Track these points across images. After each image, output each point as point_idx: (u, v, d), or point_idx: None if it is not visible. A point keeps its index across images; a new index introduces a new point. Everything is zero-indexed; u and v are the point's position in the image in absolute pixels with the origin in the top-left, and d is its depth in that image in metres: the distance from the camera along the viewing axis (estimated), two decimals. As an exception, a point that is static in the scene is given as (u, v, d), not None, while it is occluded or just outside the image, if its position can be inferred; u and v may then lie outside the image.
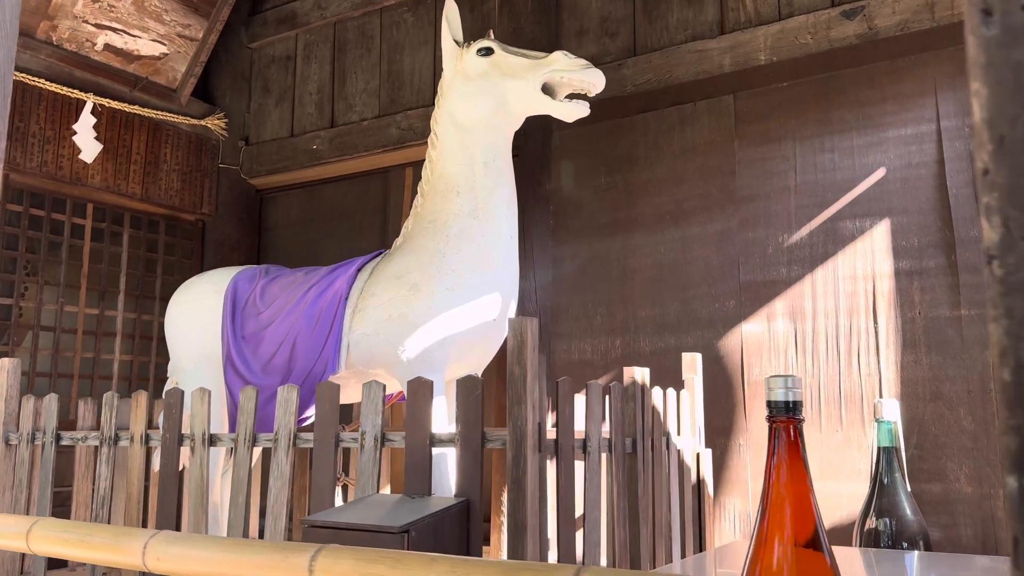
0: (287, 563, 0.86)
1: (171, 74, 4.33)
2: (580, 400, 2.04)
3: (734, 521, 3.03)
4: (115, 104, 4.06)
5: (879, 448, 2.19)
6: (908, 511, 2.14)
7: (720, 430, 3.10)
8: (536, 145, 3.60)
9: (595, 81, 2.36)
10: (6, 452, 2.58)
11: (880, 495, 2.17)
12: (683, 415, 2.48)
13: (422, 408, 1.92)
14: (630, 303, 3.36)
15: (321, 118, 4.44)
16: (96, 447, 2.47)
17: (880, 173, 2.92)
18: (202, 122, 4.53)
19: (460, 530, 1.71)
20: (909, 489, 2.21)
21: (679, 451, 2.40)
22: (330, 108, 4.43)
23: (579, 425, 1.97)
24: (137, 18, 4.07)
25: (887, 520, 2.14)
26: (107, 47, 4.03)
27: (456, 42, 2.48)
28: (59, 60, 3.88)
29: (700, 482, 2.52)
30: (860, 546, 2.18)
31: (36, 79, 3.76)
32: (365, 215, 4.39)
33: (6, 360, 2.66)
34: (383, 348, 2.33)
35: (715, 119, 3.29)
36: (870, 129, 2.97)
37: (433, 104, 3.90)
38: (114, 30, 4.02)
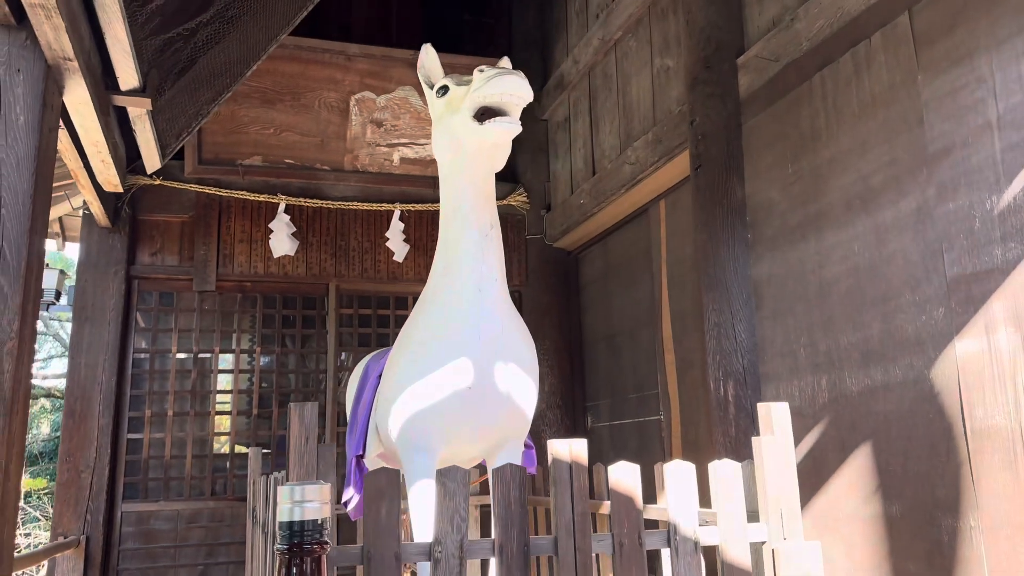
0: None
1: (464, 166, 4.76)
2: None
3: (975, 647, 1.97)
4: (419, 206, 4.65)
5: None
6: None
7: (942, 504, 2.07)
8: (720, 151, 2.98)
9: (498, 91, 1.92)
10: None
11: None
12: (727, 495, 1.77)
13: (375, 512, 1.57)
14: (831, 327, 2.50)
15: (587, 170, 4.36)
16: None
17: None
18: (505, 201, 4.84)
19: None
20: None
21: (693, 545, 1.71)
22: (591, 158, 4.32)
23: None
24: (419, 128, 4.62)
25: None
26: (403, 160, 4.66)
27: (430, 85, 2.28)
28: (367, 183, 4.63)
29: (779, 591, 1.73)
30: None
31: (350, 203, 4.55)
32: (636, 258, 4.12)
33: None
34: (382, 430, 2.22)
35: (892, 53, 2.30)
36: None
37: (651, 132, 3.56)
38: (404, 144, 4.63)
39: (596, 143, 4.27)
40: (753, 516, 1.81)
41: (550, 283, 4.79)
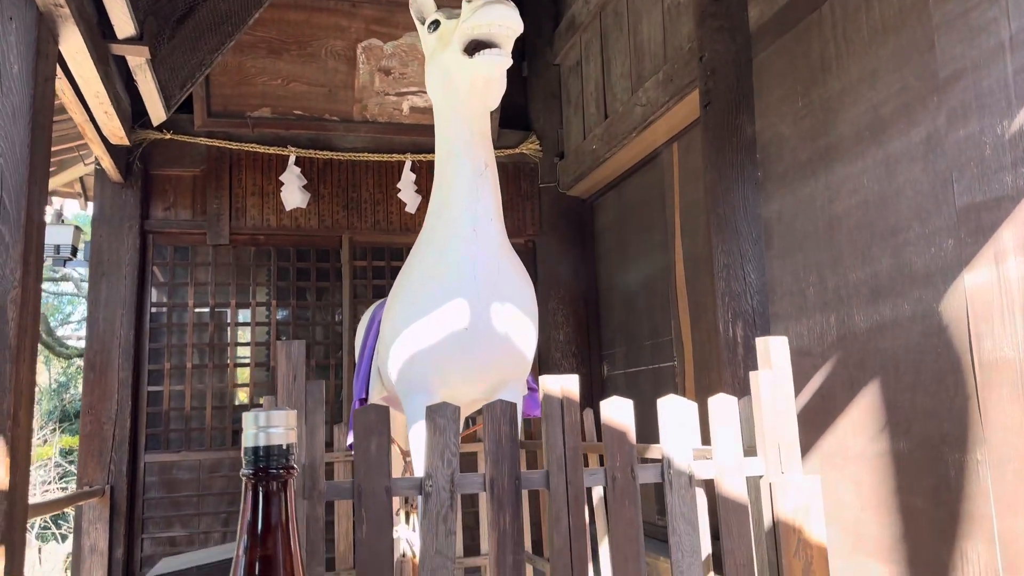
0: None
1: (476, 114, 4.69)
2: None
3: (979, 575, 1.94)
4: (430, 156, 4.60)
5: None
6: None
7: (949, 439, 2.03)
8: (729, 87, 2.90)
9: (484, 21, 1.86)
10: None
11: None
12: (723, 429, 1.75)
13: (365, 448, 1.58)
14: (840, 264, 2.44)
15: (599, 114, 4.28)
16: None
17: None
18: (517, 149, 4.78)
19: None
20: None
21: (688, 478, 1.70)
22: (603, 102, 4.24)
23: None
24: (429, 76, 4.56)
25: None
26: (412, 109, 4.61)
27: (422, 20, 2.22)
28: (377, 133, 4.59)
29: (776, 524, 1.71)
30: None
31: (360, 154, 4.52)
32: (650, 203, 4.06)
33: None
34: (384, 374, 2.21)
35: (903, -26, 2.20)
36: None
37: (661, 71, 3.48)
38: (413, 93, 4.58)
39: (608, 86, 4.18)
40: (753, 453, 1.79)
41: (565, 232, 4.74)
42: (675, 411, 1.72)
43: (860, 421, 2.35)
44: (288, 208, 4.27)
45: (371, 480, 1.55)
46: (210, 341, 4.30)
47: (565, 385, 1.66)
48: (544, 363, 4.61)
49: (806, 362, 2.58)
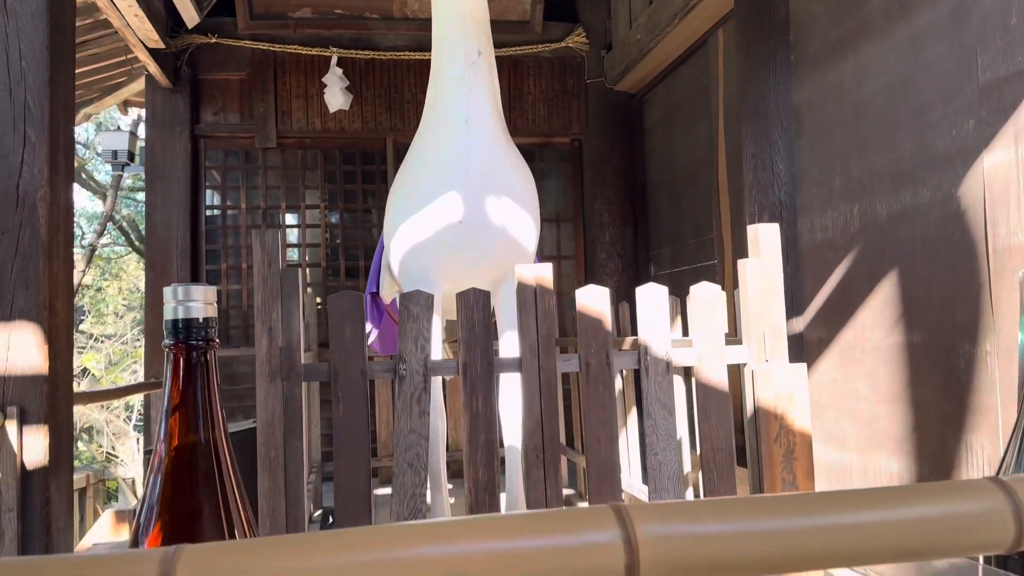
0: None
1: (520, 8, 4.57)
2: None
3: (982, 466, 1.89)
4: (474, 53, 4.52)
5: None
6: None
7: (961, 330, 1.95)
8: (761, -38, 2.72)
9: None
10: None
11: None
12: (704, 316, 1.72)
13: (340, 333, 1.64)
14: (865, 151, 2.32)
15: (643, 1, 4.09)
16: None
17: None
18: (563, 43, 4.65)
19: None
20: None
21: (665, 365, 1.69)
22: (647, -11, 4.04)
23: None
24: (470, -31, 4.43)
25: None
26: (455, 5, 4.50)
27: None
28: (418, 31, 4.52)
29: (757, 411, 1.70)
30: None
31: (401, 53, 4.48)
32: (695, 96, 3.91)
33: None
34: (391, 266, 2.25)
35: None
36: None
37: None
38: (455, -12, 4.46)
39: (652, -29, 3.98)
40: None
41: (612, 130, 4.63)
42: (653, 298, 1.70)
43: (878, 313, 2.28)
44: (332, 110, 4.30)
45: (346, 364, 1.61)
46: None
47: (539, 273, 1.66)
48: (590, 265, 4.60)
49: (830, 254, 2.49)
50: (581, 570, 0.29)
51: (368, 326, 2.43)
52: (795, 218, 2.67)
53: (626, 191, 4.61)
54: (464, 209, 2.00)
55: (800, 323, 2.67)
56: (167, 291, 1.03)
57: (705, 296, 1.73)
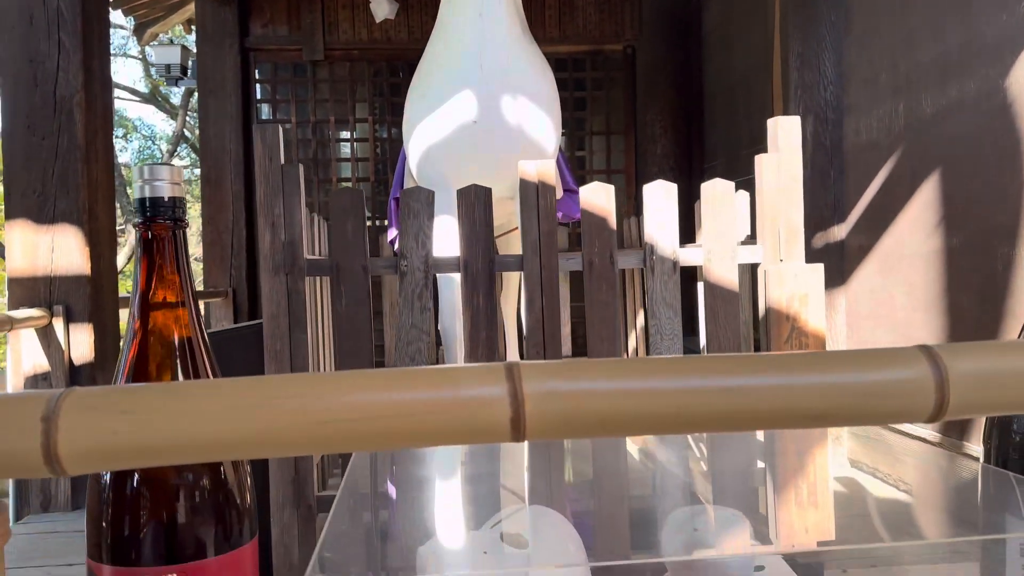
0: None
1: (571, -92, 4.37)
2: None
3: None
4: (523, -42, 4.38)
5: None
6: None
7: (1000, 232, 1.84)
8: None
9: None
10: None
11: None
12: (715, 213, 1.67)
13: (342, 228, 1.64)
14: (912, 43, 2.17)
15: None
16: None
17: None
18: (617, -56, 4.45)
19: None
20: None
21: (672, 264, 1.65)
22: None
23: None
24: None
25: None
26: (503, -93, 4.34)
27: None
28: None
29: (768, 312, 1.65)
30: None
31: (450, -40, 4.37)
32: (747, 17, 3.71)
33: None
34: (411, 169, 2.23)
35: None
36: None
37: None
38: None
39: None
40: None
41: (667, 36, 4.44)
42: (659, 194, 1.65)
43: (918, 218, 2.16)
44: (378, 20, 4.24)
45: (348, 258, 1.63)
46: (314, 156, 4.49)
47: (541, 169, 1.63)
48: (640, 179, 4.49)
49: (873, 156, 2.36)
50: (467, 421, 0.28)
51: (393, 231, 2.44)
52: (841, 119, 2.54)
53: (680, 101, 4.45)
54: (479, 108, 1.96)
55: (843, 230, 2.57)
56: (134, 171, 1.04)
57: (717, 190, 1.67)
